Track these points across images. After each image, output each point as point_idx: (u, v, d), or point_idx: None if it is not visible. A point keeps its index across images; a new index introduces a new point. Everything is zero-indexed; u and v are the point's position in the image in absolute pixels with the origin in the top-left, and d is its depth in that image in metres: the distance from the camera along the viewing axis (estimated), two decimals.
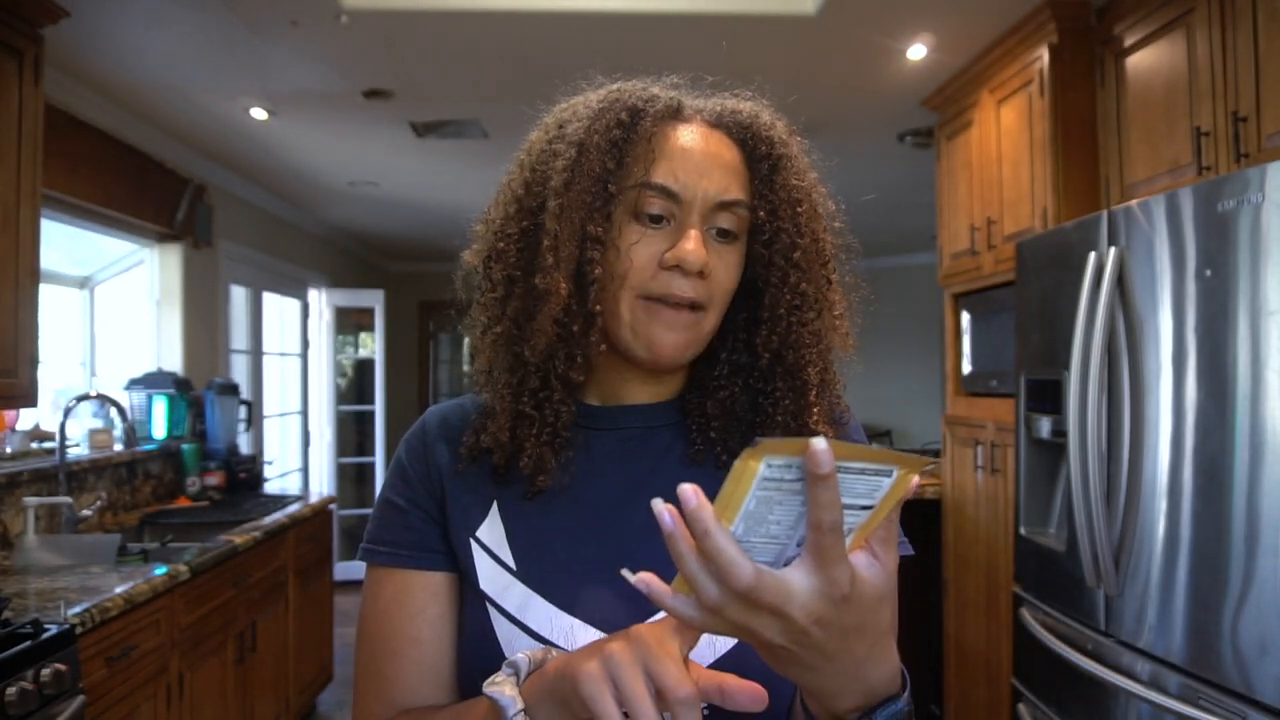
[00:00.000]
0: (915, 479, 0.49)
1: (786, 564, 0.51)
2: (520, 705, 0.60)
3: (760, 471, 0.46)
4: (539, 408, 0.75)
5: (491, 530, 0.77)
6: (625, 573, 0.53)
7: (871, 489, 0.48)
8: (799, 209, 0.77)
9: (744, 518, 0.48)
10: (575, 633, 0.72)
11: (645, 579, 0.52)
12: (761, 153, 0.77)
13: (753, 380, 0.79)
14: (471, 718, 0.68)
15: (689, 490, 0.48)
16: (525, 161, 0.78)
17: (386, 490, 0.82)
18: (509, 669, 0.64)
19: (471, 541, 0.77)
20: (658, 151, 0.73)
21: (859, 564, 0.51)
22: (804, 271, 0.77)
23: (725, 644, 0.73)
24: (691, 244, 0.72)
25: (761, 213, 0.76)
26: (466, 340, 0.86)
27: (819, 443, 0.45)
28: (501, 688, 0.62)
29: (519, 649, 0.72)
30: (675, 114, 0.77)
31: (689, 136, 0.75)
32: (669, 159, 0.73)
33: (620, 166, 0.73)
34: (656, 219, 0.73)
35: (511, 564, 0.76)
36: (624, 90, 0.77)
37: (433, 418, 0.84)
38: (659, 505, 0.49)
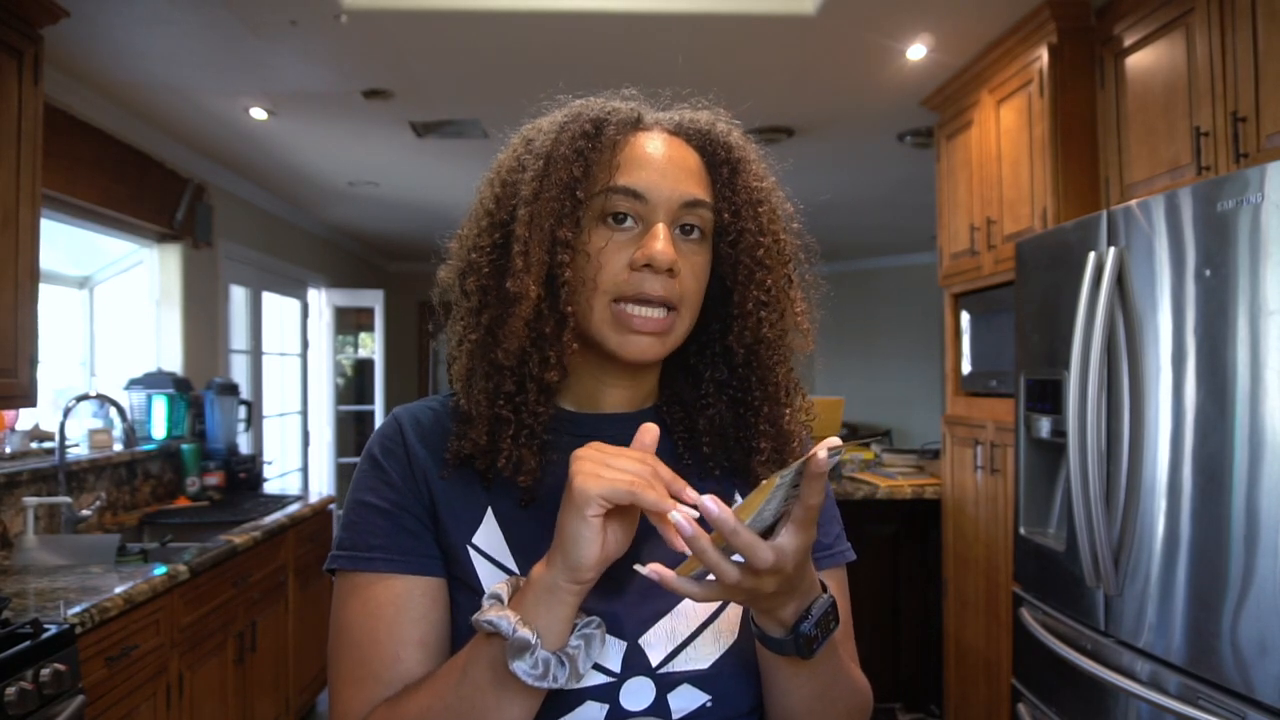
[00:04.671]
0: (823, 453, 0.64)
1: (765, 531, 0.66)
2: (516, 618, 0.65)
3: (777, 483, 0.63)
4: (515, 411, 0.76)
5: (489, 536, 0.77)
6: (637, 567, 0.66)
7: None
8: (760, 209, 0.81)
9: (754, 515, 0.64)
10: (591, 640, 0.73)
11: (656, 569, 0.65)
12: (721, 157, 0.81)
13: (732, 391, 0.83)
14: (465, 658, 0.69)
15: (709, 500, 0.62)
16: (494, 179, 0.81)
17: (364, 494, 0.78)
18: (491, 598, 0.69)
19: (469, 548, 0.77)
20: (622, 158, 0.76)
21: None
22: (768, 269, 0.80)
23: (727, 639, 0.77)
24: (660, 242, 0.75)
25: (726, 214, 0.80)
26: (443, 348, 0.87)
27: (820, 453, 0.62)
28: (489, 613, 0.66)
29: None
30: (636, 124, 0.80)
31: (651, 144, 0.78)
32: (633, 164, 0.77)
33: (586, 175, 0.75)
34: (621, 218, 0.76)
35: (515, 569, 0.76)
36: (586, 105, 0.81)
37: (406, 419, 0.82)
38: (677, 516, 0.63)
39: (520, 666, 0.65)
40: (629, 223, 0.76)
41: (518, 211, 0.75)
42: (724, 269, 0.81)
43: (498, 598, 0.69)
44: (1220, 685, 1.56)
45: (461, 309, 0.80)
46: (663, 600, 0.76)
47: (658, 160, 0.77)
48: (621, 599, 0.75)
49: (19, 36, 2.26)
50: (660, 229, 0.75)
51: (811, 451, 0.62)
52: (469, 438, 0.77)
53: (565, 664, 0.66)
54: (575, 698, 0.71)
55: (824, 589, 0.73)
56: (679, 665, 0.75)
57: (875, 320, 7.36)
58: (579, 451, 0.68)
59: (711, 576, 0.64)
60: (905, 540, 3.70)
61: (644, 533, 0.78)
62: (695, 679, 0.75)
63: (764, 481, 0.62)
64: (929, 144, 3.71)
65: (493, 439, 0.76)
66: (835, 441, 0.63)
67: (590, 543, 0.65)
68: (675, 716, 0.73)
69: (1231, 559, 1.54)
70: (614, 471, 0.65)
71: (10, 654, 1.68)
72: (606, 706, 0.72)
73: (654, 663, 0.74)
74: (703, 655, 0.75)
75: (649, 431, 0.71)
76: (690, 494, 0.65)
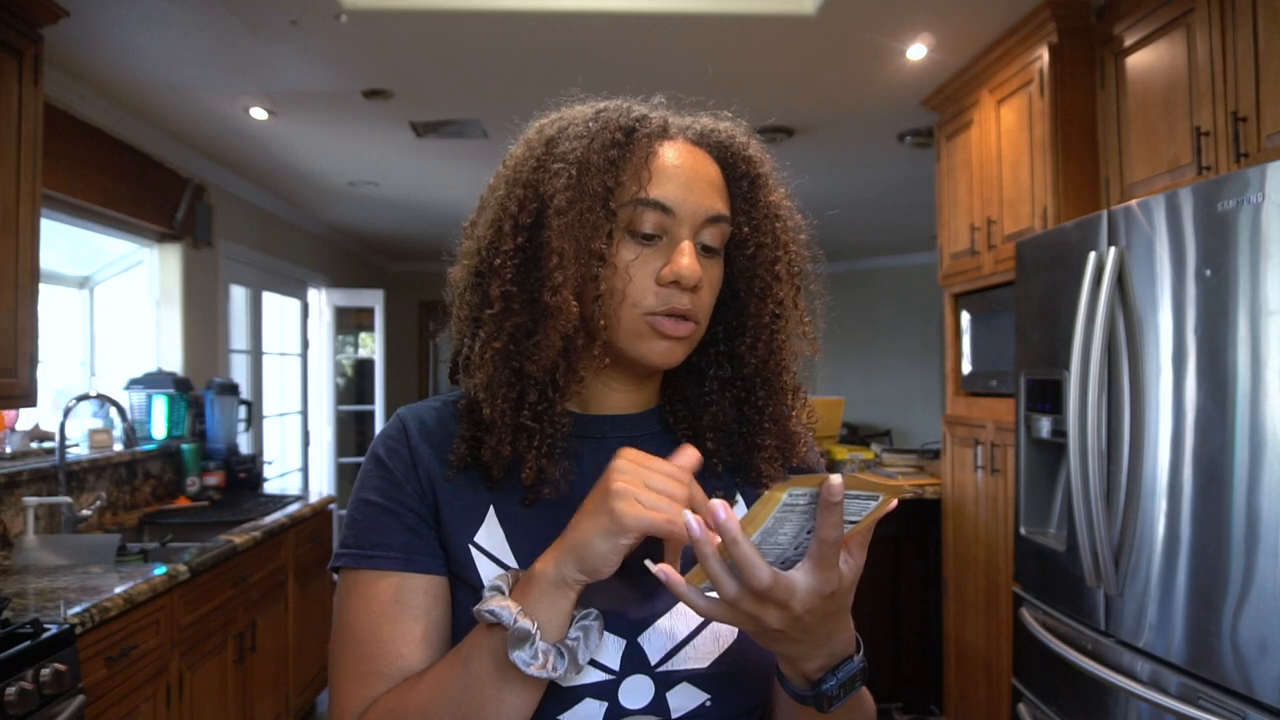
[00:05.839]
0: (894, 502, 0.62)
1: (785, 563, 0.63)
2: (517, 609, 0.67)
3: (783, 500, 0.59)
4: (538, 419, 0.76)
5: (490, 535, 0.77)
6: (648, 563, 0.65)
7: (860, 510, 0.62)
8: (777, 224, 0.82)
9: (761, 531, 0.61)
10: (590, 632, 0.73)
11: (664, 569, 0.64)
12: (741, 171, 0.82)
13: (735, 390, 0.84)
14: (467, 649, 0.70)
15: (719, 504, 0.60)
16: (515, 178, 0.79)
17: (368, 493, 0.79)
18: (492, 590, 0.69)
19: (470, 546, 0.77)
20: (652, 169, 0.76)
21: (839, 563, 0.63)
22: (782, 282, 0.82)
23: (727, 639, 0.76)
24: (687, 259, 0.75)
25: (745, 228, 0.81)
26: (446, 347, 0.86)
27: (835, 479, 0.58)
28: (490, 603, 0.67)
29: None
30: (663, 132, 0.80)
31: (676, 154, 0.78)
32: (661, 175, 0.77)
33: (618, 185, 0.75)
34: (650, 237, 0.76)
35: (516, 567, 0.76)
36: (613, 109, 0.80)
37: (410, 419, 0.82)
38: (689, 515, 0.62)
39: (520, 656, 0.65)
40: (654, 239, 0.77)
41: (551, 220, 0.74)
42: (738, 280, 0.82)
43: (499, 589, 0.69)
44: (1220, 685, 1.56)
45: (480, 314, 0.79)
46: (663, 599, 0.76)
47: (684, 173, 0.77)
48: (622, 596, 0.75)
49: (19, 36, 2.26)
50: (687, 245, 0.76)
51: (829, 479, 0.58)
52: (488, 446, 0.76)
53: (564, 655, 0.67)
54: (574, 695, 0.72)
55: (859, 646, 0.72)
56: (678, 664, 0.75)
57: (875, 320, 7.36)
58: (619, 464, 0.67)
59: (715, 593, 0.64)
60: (905, 540, 3.71)
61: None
62: (694, 678, 0.75)
63: (767, 493, 0.60)
64: (929, 144, 3.71)
65: (516, 449, 0.76)
66: (893, 504, 0.61)
67: (614, 561, 0.66)
68: (674, 715, 0.73)
69: (1232, 559, 1.54)
70: (654, 498, 0.65)
71: (10, 654, 1.68)
72: (605, 704, 0.72)
73: (653, 661, 0.74)
74: (702, 654, 0.75)
75: (690, 455, 0.71)
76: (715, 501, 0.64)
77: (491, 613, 0.66)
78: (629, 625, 0.75)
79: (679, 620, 0.76)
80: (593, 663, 0.72)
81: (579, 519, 0.68)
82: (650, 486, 0.66)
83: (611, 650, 0.73)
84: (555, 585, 0.67)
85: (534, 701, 0.69)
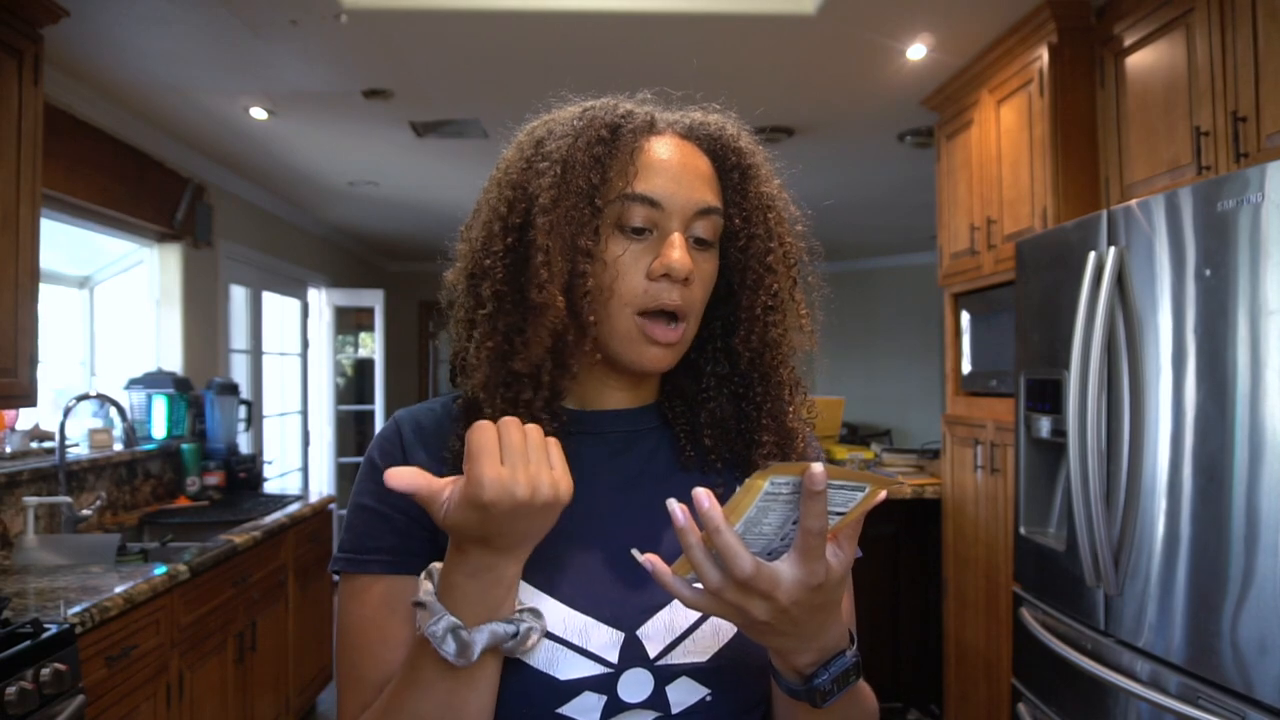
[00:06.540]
0: (882, 494, 0.62)
1: (771, 555, 0.64)
2: (506, 626, 0.67)
3: (765, 488, 0.59)
4: (535, 417, 0.76)
5: None
6: (635, 552, 0.64)
7: (847, 500, 0.62)
8: (769, 215, 0.82)
9: (745, 521, 0.60)
10: (589, 630, 0.73)
11: (651, 559, 0.63)
12: (731, 162, 0.81)
13: (733, 386, 0.84)
14: (429, 671, 0.69)
15: (702, 494, 0.60)
16: (504, 180, 0.79)
17: (362, 497, 0.79)
18: (448, 630, 0.67)
19: None
20: (639, 164, 0.76)
21: (827, 555, 0.63)
22: (776, 274, 0.81)
23: (727, 633, 0.76)
24: (677, 251, 0.75)
25: (736, 220, 0.81)
26: (446, 347, 0.86)
27: (817, 467, 0.58)
28: (480, 638, 0.66)
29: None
30: (650, 128, 0.79)
31: (665, 148, 0.78)
32: (649, 170, 0.77)
33: (604, 181, 0.75)
34: (639, 231, 0.76)
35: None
36: (599, 107, 0.80)
37: (406, 422, 0.82)
38: (673, 504, 0.61)
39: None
40: (644, 233, 0.77)
41: (536, 219, 0.74)
42: (731, 273, 0.82)
43: (457, 626, 0.65)
44: (1220, 685, 1.56)
45: (474, 315, 0.79)
46: (662, 592, 0.75)
47: (672, 166, 0.77)
48: (620, 589, 0.75)
49: (19, 36, 2.26)
50: (677, 238, 0.76)
51: (811, 467, 0.58)
52: None
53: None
54: (572, 688, 0.72)
55: (852, 641, 0.71)
56: (677, 658, 0.74)
57: (875, 320, 7.36)
58: (500, 476, 0.62)
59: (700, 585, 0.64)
60: (905, 540, 3.70)
61: (640, 530, 0.78)
62: (694, 672, 0.74)
63: (749, 480, 0.59)
64: (929, 144, 3.71)
65: None
66: (881, 495, 0.61)
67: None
68: (674, 710, 0.73)
69: (1231, 559, 1.54)
70: (550, 459, 0.65)
71: (10, 654, 1.68)
72: (604, 698, 0.72)
73: (652, 654, 0.74)
74: (701, 648, 0.75)
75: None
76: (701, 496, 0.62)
77: (490, 641, 0.66)
78: (627, 618, 0.74)
79: (678, 613, 0.75)
80: (591, 655, 0.73)
81: (524, 524, 0.65)
82: (535, 456, 0.64)
83: (610, 643, 0.73)
84: (518, 577, 0.68)
85: (500, 669, 0.70)
